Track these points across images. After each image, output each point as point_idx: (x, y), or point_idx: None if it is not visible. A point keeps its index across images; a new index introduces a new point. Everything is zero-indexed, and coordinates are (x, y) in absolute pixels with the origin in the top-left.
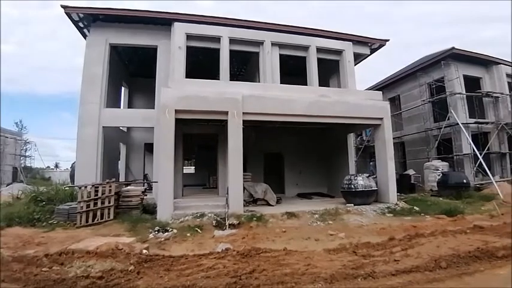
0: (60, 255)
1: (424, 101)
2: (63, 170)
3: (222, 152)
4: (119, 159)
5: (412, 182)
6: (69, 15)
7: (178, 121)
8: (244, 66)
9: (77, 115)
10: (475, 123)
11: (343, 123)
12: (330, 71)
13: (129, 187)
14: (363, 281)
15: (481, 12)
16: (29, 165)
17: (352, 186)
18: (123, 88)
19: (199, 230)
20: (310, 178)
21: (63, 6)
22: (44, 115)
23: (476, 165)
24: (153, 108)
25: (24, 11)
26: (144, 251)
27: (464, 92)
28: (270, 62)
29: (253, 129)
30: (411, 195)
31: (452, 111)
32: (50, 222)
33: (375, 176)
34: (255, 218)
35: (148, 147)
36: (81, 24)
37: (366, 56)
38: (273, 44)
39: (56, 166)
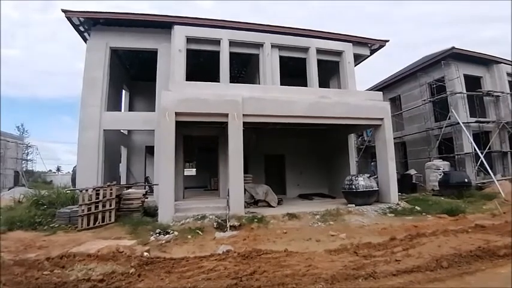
0: (61, 258)
1: (424, 100)
2: (65, 173)
3: (222, 154)
4: (120, 162)
5: (414, 181)
6: (69, 19)
7: (178, 123)
8: (245, 68)
9: (78, 119)
10: (476, 122)
11: (344, 124)
12: (330, 72)
13: (130, 190)
14: (363, 281)
15: (481, 12)
16: (30, 169)
17: (353, 186)
18: (123, 91)
19: (200, 232)
20: (311, 179)
21: (63, 11)
22: (45, 119)
23: (478, 164)
24: (154, 111)
25: (25, 14)
26: (145, 254)
27: (465, 91)
28: (270, 64)
29: (254, 131)
30: (413, 195)
31: (453, 110)
32: (51, 225)
33: (376, 176)
34: (256, 220)
35: (150, 150)
36: (81, 28)
37: (366, 57)
38: (272, 46)
39: (58, 170)
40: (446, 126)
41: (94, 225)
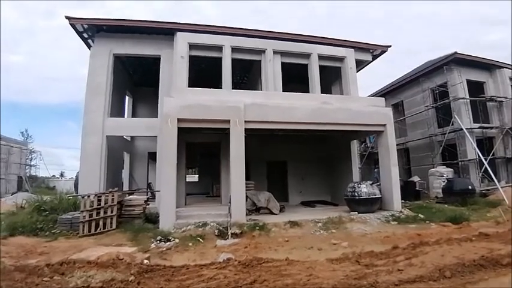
0: (61, 265)
1: (427, 106)
2: (68, 179)
3: (224, 160)
4: (122, 168)
5: (417, 189)
6: (73, 26)
7: (181, 130)
8: (247, 74)
9: (81, 124)
10: (480, 128)
11: (346, 130)
12: (332, 78)
13: (131, 196)
14: None
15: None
16: (34, 174)
17: (356, 194)
18: (127, 97)
19: (201, 240)
20: (314, 186)
21: (67, 18)
22: (49, 124)
23: (482, 170)
24: (157, 117)
25: (30, 21)
26: (145, 261)
27: (467, 96)
28: (272, 70)
29: (256, 137)
30: (416, 202)
31: (456, 116)
32: (52, 231)
33: (379, 183)
34: (257, 227)
35: (152, 156)
36: (85, 35)
37: (368, 63)
38: (274, 52)
39: (61, 175)
40: (449, 132)
41: (95, 232)
